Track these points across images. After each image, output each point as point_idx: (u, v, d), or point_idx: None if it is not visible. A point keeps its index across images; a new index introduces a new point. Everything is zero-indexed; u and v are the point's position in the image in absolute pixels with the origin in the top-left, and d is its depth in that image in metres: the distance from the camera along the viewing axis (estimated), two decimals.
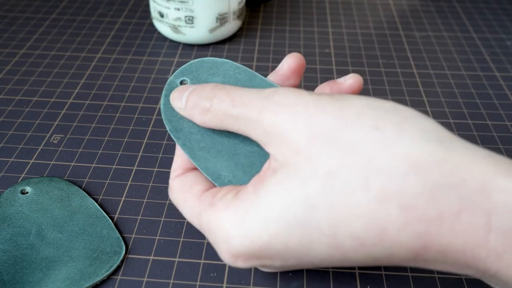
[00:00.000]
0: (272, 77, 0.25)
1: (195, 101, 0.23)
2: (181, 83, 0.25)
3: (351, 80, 0.24)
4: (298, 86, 0.26)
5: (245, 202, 0.20)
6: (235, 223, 0.20)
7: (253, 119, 0.20)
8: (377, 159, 0.18)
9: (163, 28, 0.44)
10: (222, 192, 0.22)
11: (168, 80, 0.25)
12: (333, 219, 0.18)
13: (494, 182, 0.17)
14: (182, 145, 0.24)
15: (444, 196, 0.17)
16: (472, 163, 0.17)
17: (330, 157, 0.18)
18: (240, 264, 0.20)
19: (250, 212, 0.19)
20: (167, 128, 0.24)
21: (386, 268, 0.26)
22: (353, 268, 0.26)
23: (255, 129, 0.20)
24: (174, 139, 0.24)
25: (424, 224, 0.17)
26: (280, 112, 0.20)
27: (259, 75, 0.24)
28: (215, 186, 0.23)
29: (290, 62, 0.25)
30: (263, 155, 0.23)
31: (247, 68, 0.24)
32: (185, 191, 0.23)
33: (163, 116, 0.24)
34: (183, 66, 0.25)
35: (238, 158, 0.23)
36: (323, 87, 0.24)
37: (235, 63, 0.24)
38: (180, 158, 0.25)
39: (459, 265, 0.18)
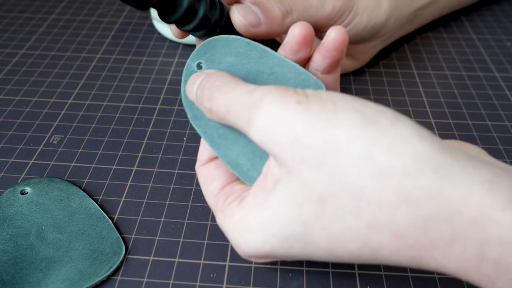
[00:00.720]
0: (281, 51, 0.24)
1: (200, 99, 0.23)
2: (198, 66, 0.25)
3: (333, 34, 0.23)
4: (309, 56, 0.24)
5: (248, 215, 0.21)
6: (240, 233, 0.21)
7: (244, 130, 0.20)
8: (368, 191, 0.17)
9: (163, 28, 0.44)
10: (231, 197, 0.23)
11: (186, 65, 0.25)
12: (329, 238, 0.19)
13: (489, 215, 0.16)
14: (203, 133, 0.24)
15: (436, 227, 0.17)
16: (467, 194, 0.16)
17: (321, 183, 0.18)
18: (255, 260, 0.22)
19: (251, 226, 0.21)
20: (188, 116, 0.25)
21: (386, 268, 0.26)
22: (353, 268, 0.26)
23: (249, 137, 0.20)
24: (195, 127, 0.24)
25: (416, 250, 0.17)
26: (265, 129, 0.19)
27: (270, 50, 0.24)
28: (233, 180, 0.24)
29: (295, 34, 0.23)
30: None
31: (258, 44, 0.24)
32: (207, 185, 0.25)
33: (184, 104, 0.25)
34: (197, 48, 0.25)
35: (255, 144, 0.23)
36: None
37: (246, 39, 0.24)
38: (204, 147, 0.26)
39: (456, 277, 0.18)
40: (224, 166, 0.25)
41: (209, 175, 0.25)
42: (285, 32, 0.29)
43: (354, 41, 0.36)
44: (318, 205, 0.18)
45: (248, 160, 0.23)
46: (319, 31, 0.33)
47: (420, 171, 0.17)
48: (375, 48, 0.39)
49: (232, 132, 0.24)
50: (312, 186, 0.18)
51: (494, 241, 0.16)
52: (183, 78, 0.25)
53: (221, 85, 0.22)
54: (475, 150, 0.20)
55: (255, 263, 0.26)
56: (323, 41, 0.24)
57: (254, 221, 0.20)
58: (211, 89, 0.22)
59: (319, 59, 0.24)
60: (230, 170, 0.24)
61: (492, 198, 0.16)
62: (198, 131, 0.24)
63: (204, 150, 0.26)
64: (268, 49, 0.24)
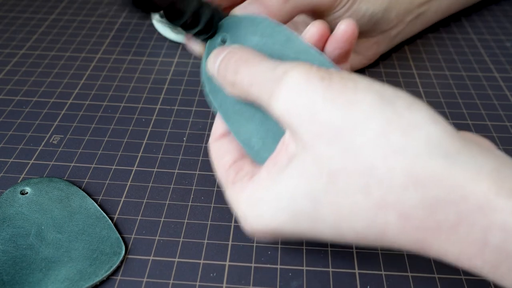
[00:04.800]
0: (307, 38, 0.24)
1: (223, 74, 0.23)
2: (221, 40, 0.25)
3: (343, 26, 0.24)
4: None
5: (258, 189, 0.21)
6: (250, 207, 0.21)
7: (265, 104, 0.21)
8: (378, 169, 0.18)
9: (163, 28, 0.44)
10: (242, 172, 0.23)
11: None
12: (337, 215, 0.19)
13: (494, 202, 0.16)
14: (219, 106, 0.24)
15: (442, 210, 0.17)
16: (474, 181, 0.17)
17: (334, 159, 0.18)
18: (258, 237, 0.22)
19: (262, 200, 0.21)
20: (206, 89, 0.24)
21: (386, 268, 0.26)
22: (353, 268, 0.26)
23: (269, 111, 0.21)
24: (212, 100, 0.24)
25: (422, 232, 0.18)
26: (287, 102, 0.19)
27: (295, 35, 0.23)
28: (246, 156, 0.24)
29: (313, 33, 0.24)
30: None
31: (284, 27, 0.24)
32: (218, 159, 0.25)
33: (203, 77, 0.25)
34: (223, 20, 0.25)
35: (269, 123, 0.23)
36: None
37: (274, 21, 0.24)
38: (218, 122, 0.26)
39: (458, 266, 0.18)
40: (237, 141, 0.25)
41: (222, 149, 0.25)
42: (287, 18, 0.30)
43: None
44: (329, 180, 0.19)
45: (261, 139, 0.23)
46: (320, 16, 0.33)
47: (431, 155, 0.17)
48: (379, 45, 0.40)
49: (248, 110, 0.23)
50: (325, 161, 0.19)
51: (497, 227, 0.16)
52: (205, 51, 0.25)
53: (247, 59, 0.22)
54: (487, 143, 0.21)
55: (257, 241, 0.26)
56: (334, 33, 0.24)
57: (265, 195, 0.21)
58: (237, 63, 0.22)
59: (330, 50, 0.24)
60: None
61: (498, 186, 0.16)
62: (215, 104, 0.24)
63: (218, 126, 0.26)
64: (295, 34, 0.23)
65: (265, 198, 0.21)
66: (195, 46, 0.28)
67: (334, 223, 0.19)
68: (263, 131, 0.23)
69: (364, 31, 0.36)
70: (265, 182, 0.21)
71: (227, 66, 0.23)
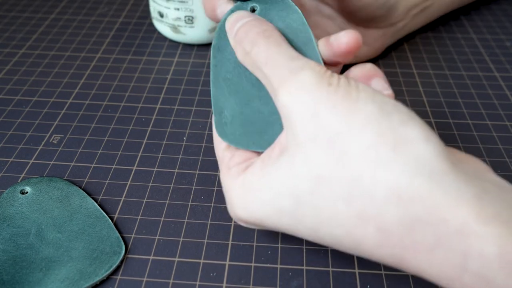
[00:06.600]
0: (322, 46, 0.23)
1: (241, 38, 0.23)
2: (251, 9, 0.25)
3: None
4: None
5: (250, 180, 0.22)
6: (239, 196, 0.22)
7: (272, 88, 0.21)
8: (364, 180, 0.18)
9: (163, 28, 0.44)
10: (237, 158, 0.23)
11: (239, 2, 0.25)
12: (316, 218, 0.19)
13: (472, 228, 0.16)
14: (214, 65, 0.24)
15: (421, 230, 0.17)
16: (456, 204, 0.17)
17: (323, 163, 0.19)
18: (241, 224, 0.23)
19: (251, 190, 0.21)
20: (213, 43, 0.25)
21: (386, 268, 0.26)
22: (353, 268, 0.26)
23: (273, 96, 0.21)
24: (211, 56, 0.25)
25: (399, 249, 0.18)
26: (294, 96, 0.20)
27: (315, 43, 0.23)
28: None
29: (345, 42, 0.22)
30: (271, 125, 0.23)
31: (310, 29, 0.23)
32: (218, 140, 0.25)
33: (217, 30, 0.25)
34: None
35: (249, 108, 0.23)
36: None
37: (303, 17, 0.24)
38: None
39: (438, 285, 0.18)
40: None
41: None
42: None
43: (365, 15, 0.36)
44: (315, 184, 0.19)
45: (231, 116, 0.24)
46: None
47: (417, 173, 0.17)
48: (386, 37, 0.40)
49: (238, 85, 0.24)
50: (315, 164, 0.19)
51: (476, 254, 0.16)
52: (232, 8, 0.25)
53: (269, 36, 0.22)
54: (481, 167, 0.20)
55: (235, 223, 0.27)
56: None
57: (254, 186, 0.21)
58: (258, 35, 0.22)
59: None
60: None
61: (477, 212, 0.16)
62: (212, 61, 0.24)
63: None
64: (314, 41, 0.23)
65: (253, 190, 0.21)
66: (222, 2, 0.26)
67: (313, 226, 0.19)
68: (238, 111, 0.24)
69: (376, 17, 0.36)
70: (258, 173, 0.21)
71: (248, 34, 0.23)
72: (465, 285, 0.17)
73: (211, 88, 0.24)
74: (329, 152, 0.19)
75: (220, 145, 0.25)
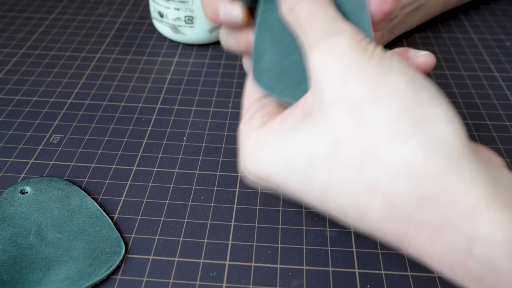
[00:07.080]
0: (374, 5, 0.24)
1: None
2: None
3: (423, 59, 0.24)
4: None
5: (267, 133, 0.21)
6: (253, 148, 0.22)
7: (307, 45, 0.21)
8: (379, 151, 0.18)
9: (162, 28, 0.44)
10: (263, 110, 0.23)
11: None
12: (326, 183, 0.19)
13: (483, 212, 0.16)
14: (262, 12, 0.25)
15: (429, 209, 0.17)
16: (469, 187, 0.17)
17: (344, 128, 0.19)
18: (248, 178, 0.23)
19: (266, 144, 0.21)
20: None
21: (386, 268, 0.26)
22: (353, 267, 0.26)
23: (307, 54, 0.21)
24: (260, 4, 0.25)
25: (404, 225, 0.17)
26: (328, 57, 0.20)
27: (367, 11, 0.23)
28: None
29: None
30: (306, 80, 0.23)
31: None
32: (249, 90, 0.25)
33: None
34: None
35: (290, 59, 0.24)
36: (398, 51, 0.24)
37: None
38: None
39: (436, 270, 0.18)
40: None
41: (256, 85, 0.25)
42: None
43: None
44: (332, 147, 0.19)
45: (271, 64, 0.24)
46: None
47: (434, 151, 0.17)
48: (381, 33, 0.40)
49: (283, 35, 0.24)
50: (335, 127, 0.19)
51: (484, 239, 0.16)
52: None
53: None
54: (497, 161, 0.20)
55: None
56: (410, 56, 0.24)
57: (270, 141, 0.21)
58: None
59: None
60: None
61: (489, 198, 0.16)
62: (261, 7, 0.25)
63: None
64: (367, 10, 0.23)
65: (269, 144, 0.21)
66: None
67: (321, 190, 0.19)
68: (278, 60, 0.24)
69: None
70: (276, 129, 0.21)
71: None
72: (468, 271, 0.16)
73: (255, 33, 0.24)
74: (351, 117, 0.19)
75: (251, 95, 0.25)
